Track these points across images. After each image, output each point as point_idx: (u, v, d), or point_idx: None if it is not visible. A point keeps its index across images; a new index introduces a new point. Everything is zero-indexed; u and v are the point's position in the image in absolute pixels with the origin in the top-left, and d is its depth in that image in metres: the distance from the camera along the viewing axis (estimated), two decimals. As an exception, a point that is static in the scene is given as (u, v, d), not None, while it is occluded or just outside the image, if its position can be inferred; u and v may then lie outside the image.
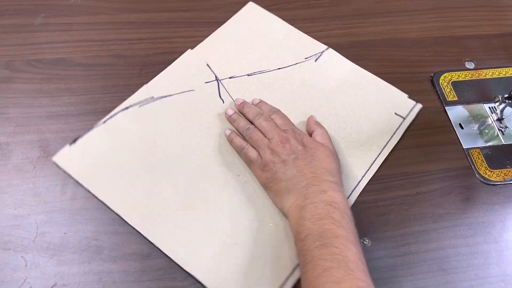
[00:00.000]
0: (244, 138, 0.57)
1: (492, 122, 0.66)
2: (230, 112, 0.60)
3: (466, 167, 0.61)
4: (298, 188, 0.49)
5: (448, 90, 0.68)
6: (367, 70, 0.68)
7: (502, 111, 0.65)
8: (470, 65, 0.72)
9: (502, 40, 0.76)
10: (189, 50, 0.66)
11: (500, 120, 0.66)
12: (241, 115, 0.60)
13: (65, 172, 0.54)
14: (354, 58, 0.70)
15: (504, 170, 0.61)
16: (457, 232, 0.56)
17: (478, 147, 0.63)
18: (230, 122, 0.59)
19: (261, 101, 0.61)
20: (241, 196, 0.54)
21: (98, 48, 0.66)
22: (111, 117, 0.58)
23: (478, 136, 0.64)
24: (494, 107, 0.67)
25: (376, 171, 0.59)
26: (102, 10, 0.70)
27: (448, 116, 0.66)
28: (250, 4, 0.73)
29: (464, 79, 0.70)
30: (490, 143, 0.64)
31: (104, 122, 0.58)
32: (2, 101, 0.59)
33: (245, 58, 0.66)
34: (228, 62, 0.66)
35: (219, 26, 0.70)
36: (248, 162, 0.55)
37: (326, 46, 0.70)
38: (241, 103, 0.60)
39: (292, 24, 0.73)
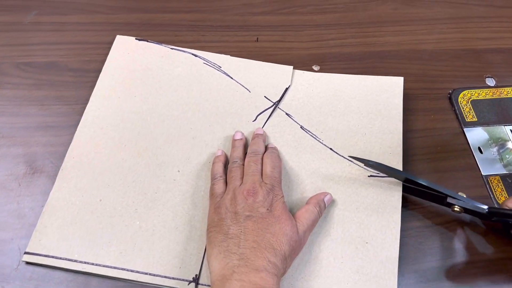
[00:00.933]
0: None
1: (514, 146, 0.62)
2: (237, 136, 0.55)
3: (485, 196, 0.57)
4: (230, 254, 0.43)
5: (468, 109, 0.64)
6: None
7: (524, 135, 0.61)
8: (491, 82, 0.67)
9: (526, 55, 0.71)
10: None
11: (522, 144, 0.61)
12: (242, 145, 0.55)
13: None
14: (368, 71, 0.65)
15: (525, 201, 0.57)
16: (476, 270, 0.52)
17: (498, 174, 0.59)
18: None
19: (274, 146, 0.56)
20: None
21: (94, 52, 0.61)
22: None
23: (498, 161, 0.60)
24: (516, 130, 0.63)
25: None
26: (99, 9, 0.65)
27: (466, 138, 0.61)
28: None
29: (485, 98, 0.65)
30: (510, 169, 0.59)
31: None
32: (-13, 109, 0.54)
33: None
34: None
35: (226, 31, 0.65)
36: (210, 194, 0.50)
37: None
38: (257, 134, 0.56)
39: (302, 30, 0.68)
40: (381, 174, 0.54)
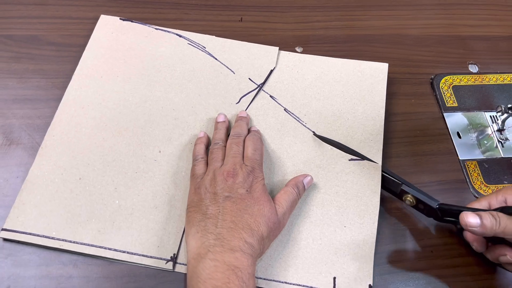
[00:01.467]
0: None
1: (492, 132, 0.62)
2: (220, 119, 0.55)
3: (461, 180, 0.57)
4: (207, 234, 0.43)
5: (448, 95, 0.64)
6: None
7: (504, 121, 0.61)
8: (473, 68, 0.67)
9: (510, 43, 0.71)
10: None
11: (500, 131, 0.62)
12: (225, 127, 0.55)
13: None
14: (352, 54, 0.65)
15: (500, 186, 0.57)
16: (448, 252, 0.52)
17: (475, 159, 0.59)
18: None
19: (256, 130, 0.56)
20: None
21: (75, 27, 0.61)
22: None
23: (476, 146, 0.60)
24: (496, 116, 0.63)
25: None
26: (82, -16, 0.64)
27: (446, 123, 0.62)
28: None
29: (466, 84, 0.65)
30: (488, 155, 0.60)
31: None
32: (-35, 80, 0.54)
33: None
34: None
35: (212, 10, 0.65)
36: (191, 175, 0.50)
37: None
38: (240, 116, 0.56)
39: (288, 12, 0.68)
40: (361, 157, 0.55)
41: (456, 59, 0.68)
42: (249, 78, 0.60)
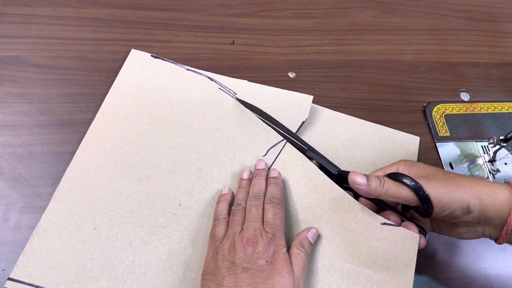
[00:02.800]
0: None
1: (484, 163, 0.62)
2: (245, 176, 0.52)
3: (453, 213, 0.57)
4: None
5: (441, 124, 0.63)
6: (358, 94, 0.63)
7: (495, 153, 0.61)
8: (465, 96, 0.67)
9: (501, 71, 0.71)
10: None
11: (492, 161, 0.62)
12: (249, 185, 0.51)
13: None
14: (345, 80, 0.64)
15: (492, 219, 0.57)
16: (441, 283, 0.52)
17: (467, 191, 0.59)
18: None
19: (276, 179, 0.51)
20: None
21: (60, 48, 0.58)
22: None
23: (468, 178, 0.60)
24: (487, 147, 0.63)
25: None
26: (68, 2, 0.62)
27: (438, 153, 0.61)
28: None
29: (458, 112, 0.65)
30: (479, 187, 0.60)
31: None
32: None
33: None
34: None
35: (203, 32, 0.64)
36: (210, 236, 0.47)
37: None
38: (258, 169, 0.52)
39: (280, 35, 0.67)
40: (395, 223, 0.49)
41: (448, 86, 0.68)
42: (279, 130, 0.56)
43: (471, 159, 0.62)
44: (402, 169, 0.48)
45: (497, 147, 0.60)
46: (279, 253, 0.44)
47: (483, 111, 0.66)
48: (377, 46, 0.69)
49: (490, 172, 0.61)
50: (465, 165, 0.61)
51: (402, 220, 0.49)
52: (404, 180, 0.43)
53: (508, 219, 0.42)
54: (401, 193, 0.44)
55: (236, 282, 0.41)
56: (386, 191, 0.44)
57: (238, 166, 0.53)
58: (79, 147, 0.51)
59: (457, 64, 0.71)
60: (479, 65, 0.71)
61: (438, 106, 0.65)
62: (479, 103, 0.67)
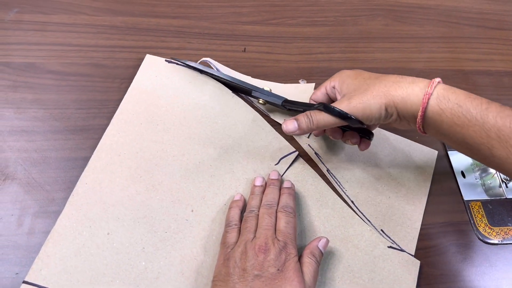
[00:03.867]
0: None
1: (496, 172, 0.61)
2: (258, 182, 0.52)
3: (465, 222, 0.57)
4: None
5: (453, 132, 0.63)
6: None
7: (508, 161, 0.61)
8: (477, 104, 0.67)
9: (513, 79, 0.71)
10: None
11: (504, 170, 0.61)
12: (262, 192, 0.52)
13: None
14: (356, 88, 0.64)
15: (505, 229, 0.57)
16: (450, 297, 0.51)
17: (479, 200, 0.59)
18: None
19: (289, 189, 0.52)
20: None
21: (75, 54, 0.59)
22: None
23: (480, 186, 0.60)
24: (500, 155, 0.62)
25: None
26: (83, 10, 0.63)
27: (450, 162, 0.61)
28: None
29: (470, 121, 0.65)
30: (491, 195, 0.59)
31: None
32: (-41, 110, 0.52)
33: None
34: None
35: (215, 39, 0.64)
36: (221, 242, 0.47)
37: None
38: (271, 179, 0.53)
39: (291, 43, 0.67)
40: (400, 248, 0.52)
41: (460, 94, 0.67)
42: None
43: (483, 168, 0.62)
44: (336, 85, 0.52)
45: (510, 156, 0.60)
46: (290, 261, 0.44)
47: (495, 120, 0.65)
48: (388, 53, 0.69)
49: (502, 181, 0.61)
50: (477, 174, 0.61)
51: (360, 136, 0.53)
52: (331, 110, 0.47)
53: (418, 117, 0.44)
54: (330, 121, 0.48)
55: None
56: (317, 124, 0.48)
57: (251, 173, 0.54)
58: (94, 153, 0.51)
59: (469, 72, 0.70)
60: (491, 73, 0.71)
61: (450, 114, 0.65)
62: (491, 112, 0.66)
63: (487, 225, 0.57)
